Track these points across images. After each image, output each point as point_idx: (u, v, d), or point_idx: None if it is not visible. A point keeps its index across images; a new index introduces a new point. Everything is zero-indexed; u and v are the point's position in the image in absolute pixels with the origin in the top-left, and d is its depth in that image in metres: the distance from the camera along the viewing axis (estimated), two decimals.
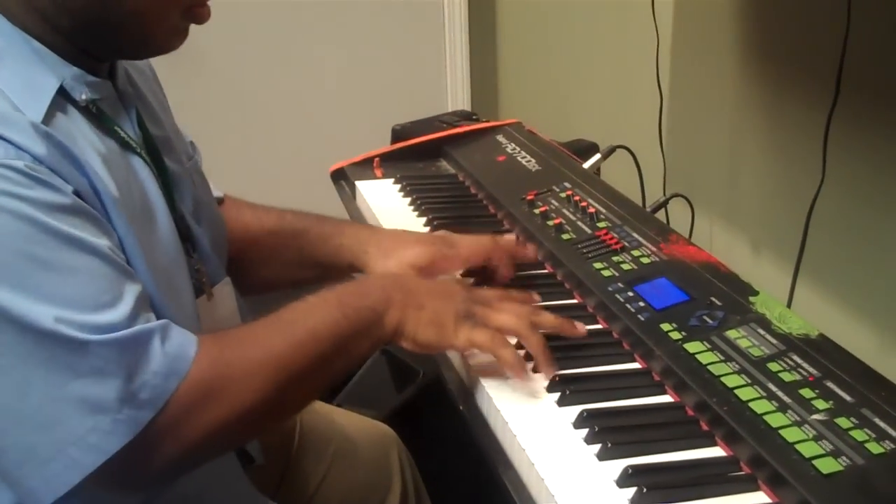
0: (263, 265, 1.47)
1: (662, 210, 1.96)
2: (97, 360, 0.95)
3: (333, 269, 1.47)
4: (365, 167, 1.97)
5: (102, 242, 1.00)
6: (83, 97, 1.09)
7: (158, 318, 1.05)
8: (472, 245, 1.42)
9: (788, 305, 1.67)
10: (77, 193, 1.01)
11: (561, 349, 1.22)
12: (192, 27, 1.16)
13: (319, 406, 1.62)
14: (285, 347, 1.07)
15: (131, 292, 1.00)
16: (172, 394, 0.99)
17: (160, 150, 1.24)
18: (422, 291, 1.19)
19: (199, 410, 1.01)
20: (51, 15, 1.07)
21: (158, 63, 1.33)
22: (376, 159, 1.97)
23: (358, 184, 1.88)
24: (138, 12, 1.09)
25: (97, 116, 1.12)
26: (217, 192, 1.48)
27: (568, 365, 1.18)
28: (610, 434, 1.04)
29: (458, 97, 3.56)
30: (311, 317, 1.11)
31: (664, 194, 2.10)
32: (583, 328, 1.22)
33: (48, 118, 1.03)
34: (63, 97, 1.08)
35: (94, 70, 1.13)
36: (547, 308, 1.33)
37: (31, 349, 0.94)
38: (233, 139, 3.22)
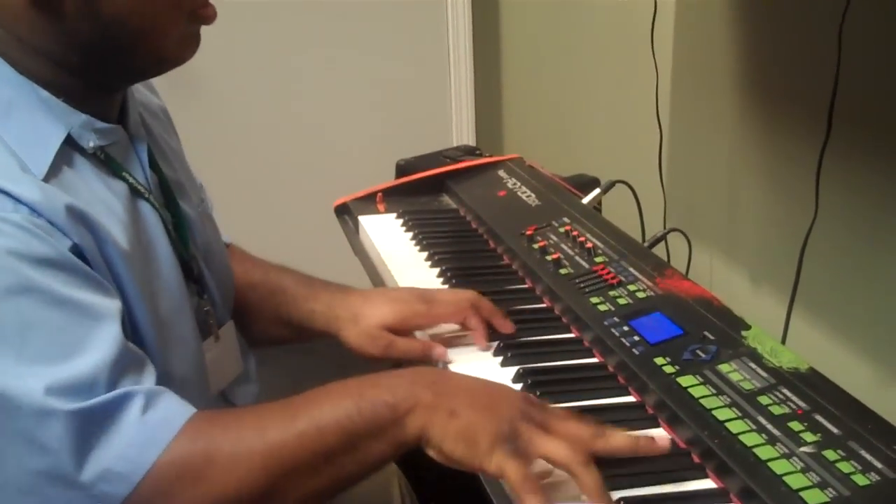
0: (247, 320, 1.45)
1: (662, 245, 1.99)
2: (64, 435, 0.92)
3: (308, 332, 1.44)
4: (368, 202, 1.99)
5: (91, 298, 0.99)
6: (91, 144, 1.10)
7: (156, 363, 1.04)
8: (448, 305, 1.37)
9: (783, 339, 1.69)
10: (76, 247, 1.00)
11: (556, 382, 1.24)
12: (197, 69, 1.16)
13: None
14: (284, 436, 0.98)
15: (115, 349, 0.97)
16: (150, 468, 0.94)
17: (174, 192, 1.25)
18: (460, 394, 1.03)
19: (178, 490, 0.95)
20: (58, 55, 1.08)
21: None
22: (379, 194, 2.00)
23: (361, 218, 1.91)
24: (143, 29, 1.09)
25: (105, 163, 1.12)
26: (225, 238, 1.50)
27: (564, 398, 1.20)
28: (605, 467, 1.05)
29: (462, 132, 3.59)
30: (320, 406, 1.01)
31: (664, 229, 2.13)
32: (666, 442, 1.06)
33: (54, 169, 1.04)
34: (70, 146, 1.08)
35: (105, 114, 1.14)
36: (542, 342, 1.36)
37: (6, 419, 0.92)
38: (237, 174, 3.25)
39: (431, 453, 1.02)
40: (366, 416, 0.99)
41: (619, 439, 1.03)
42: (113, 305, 1.01)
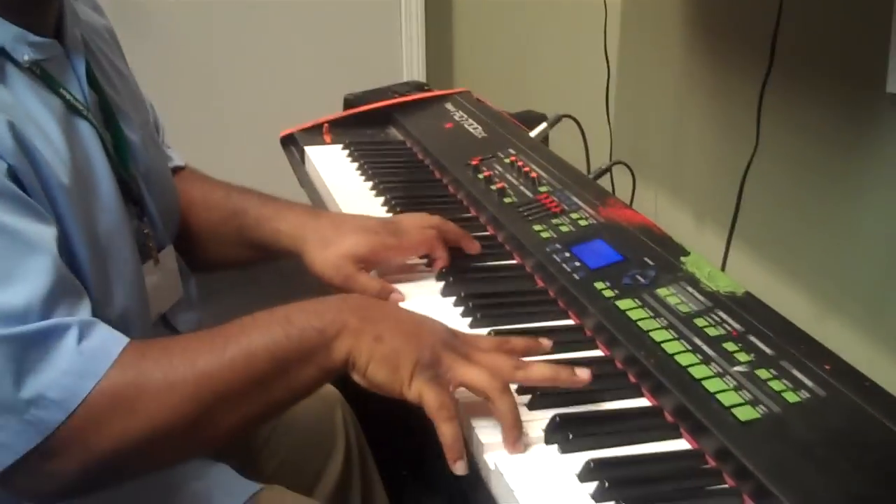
0: (206, 242, 1.44)
1: (607, 179, 2.00)
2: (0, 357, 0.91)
3: (271, 253, 1.42)
4: (315, 133, 1.99)
5: (26, 225, 0.97)
6: (25, 58, 1.07)
7: (94, 286, 1.04)
8: (416, 237, 1.36)
9: (723, 269, 1.71)
10: (11, 169, 0.99)
11: (497, 306, 1.26)
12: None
13: None
14: (213, 364, 0.98)
15: (50, 279, 0.96)
16: (86, 397, 0.93)
17: (114, 112, 1.23)
18: (386, 321, 1.04)
19: (109, 420, 0.94)
20: None
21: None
22: (326, 125, 1.99)
23: (307, 149, 1.90)
24: None
25: (41, 78, 1.10)
26: (178, 161, 1.48)
27: (505, 321, 1.21)
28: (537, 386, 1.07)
29: (413, 68, 3.58)
30: (249, 334, 1.00)
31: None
32: (586, 375, 1.04)
33: None
34: (3, 58, 1.06)
35: (40, 28, 1.11)
36: (484, 268, 1.38)
37: None
38: (186, 104, 3.21)
39: (356, 378, 1.02)
40: (294, 342, 1.00)
41: (539, 370, 1.03)
42: (48, 232, 1.00)
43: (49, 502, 1.02)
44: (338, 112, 2.20)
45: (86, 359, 0.94)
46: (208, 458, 1.32)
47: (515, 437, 0.98)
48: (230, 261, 1.49)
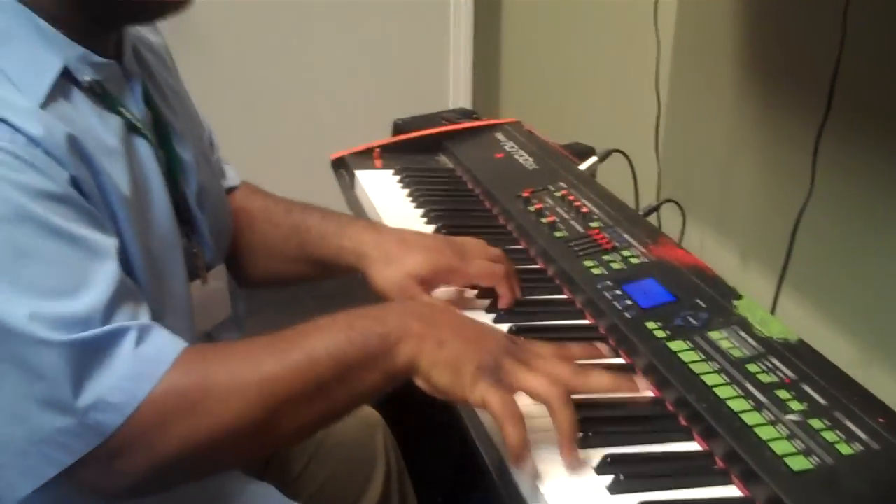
0: (265, 257, 1.46)
1: (654, 215, 2.00)
2: (59, 363, 0.93)
3: (334, 269, 1.42)
4: (365, 157, 2.00)
5: (88, 233, 0.99)
6: (87, 78, 1.10)
7: (147, 299, 1.04)
8: (482, 268, 1.34)
9: (772, 313, 1.70)
10: (74, 180, 1.01)
11: (550, 341, 1.25)
12: (203, 23, 1.16)
13: None
14: (277, 368, 1.00)
15: (111, 286, 0.98)
16: (144, 400, 0.95)
17: (168, 131, 1.25)
18: (448, 327, 1.06)
19: (173, 421, 0.97)
20: None
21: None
22: (377, 150, 2.01)
23: (357, 173, 1.91)
24: None
25: (101, 97, 1.12)
26: (235, 179, 1.50)
27: None
28: (592, 424, 1.07)
29: (459, 95, 3.60)
30: (312, 339, 1.02)
31: (657, 199, 2.15)
32: (645, 384, 1.11)
33: (50, 100, 1.04)
34: (66, 79, 1.08)
35: (102, 49, 1.13)
36: (534, 302, 1.38)
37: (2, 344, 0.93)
38: (238, 126, 3.24)
39: (419, 382, 1.04)
40: (357, 347, 1.01)
41: (598, 378, 1.06)
42: (110, 242, 1.02)
43: (119, 499, 1.03)
44: (387, 137, 2.22)
45: (144, 363, 0.96)
46: (252, 476, 1.33)
47: (572, 447, 0.99)
48: (290, 276, 1.49)
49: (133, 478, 0.98)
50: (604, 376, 1.06)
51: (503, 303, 1.34)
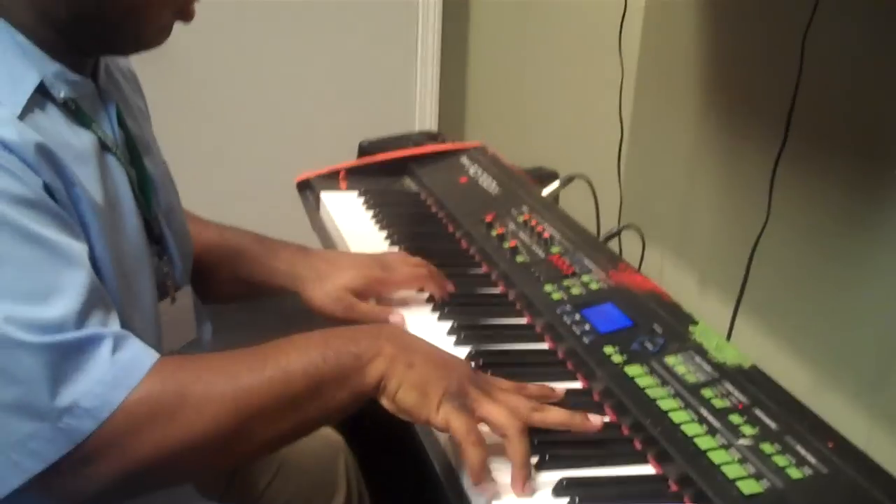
0: (199, 280, 1.46)
1: (615, 240, 2.03)
2: (35, 366, 0.94)
3: (265, 290, 1.49)
4: (330, 179, 2.01)
5: (62, 239, 1.01)
6: (62, 94, 1.11)
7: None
8: (406, 272, 1.46)
9: (728, 339, 1.73)
10: (47, 187, 1.02)
11: (505, 365, 1.27)
12: (170, 43, 1.19)
13: None
14: (252, 381, 1.02)
15: (85, 293, 0.99)
16: (118, 406, 0.96)
17: (140, 150, 1.27)
18: (418, 351, 1.11)
19: (148, 428, 0.98)
20: (46, 7, 1.09)
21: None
22: (342, 172, 2.02)
23: (322, 194, 1.93)
24: (134, 8, 1.11)
25: (75, 113, 1.14)
26: None
27: (513, 380, 1.21)
28: (549, 447, 1.08)
29: (426, 117, 3.62)
30: (288, 354, 1.05)
31: (619, 224, 2.17)
32: (599, 421, 1.12)
33: (25, 112, 1.05)
34: (42, 94, 1.09)
35: (78, 67, 1.15)
36: (495, 326, 1.41)
37: None
38: (201, 145, 3.26)
39: (385, 402, 1.07)
40: (331, 364, 1.05)
41: (555, 414, 1.10)
42: (82, 248, 1.03)
43: None
44: (352, 158, 2.23)
45: (119, 369, 0.97)
46: (214, 497, 1.34)
47: (524, 478, 1.03)
48: (224, 297, 1.53)
49: (101, 484, 0.99)
50: (560, 411, 1.11)
51: (437, 296, 1.45)
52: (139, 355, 1.00)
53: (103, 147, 1.17)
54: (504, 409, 1.06)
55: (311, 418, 1.06)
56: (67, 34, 1.12)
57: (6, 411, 0.95)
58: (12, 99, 1.05)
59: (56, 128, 1.10)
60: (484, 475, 1.02)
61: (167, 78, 2.99)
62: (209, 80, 3.32)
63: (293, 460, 1.57)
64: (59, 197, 1.04)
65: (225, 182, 3.27)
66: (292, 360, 1.04)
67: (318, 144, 3.19)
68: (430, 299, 1.47)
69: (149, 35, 1.16)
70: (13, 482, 0.96)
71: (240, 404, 1.00)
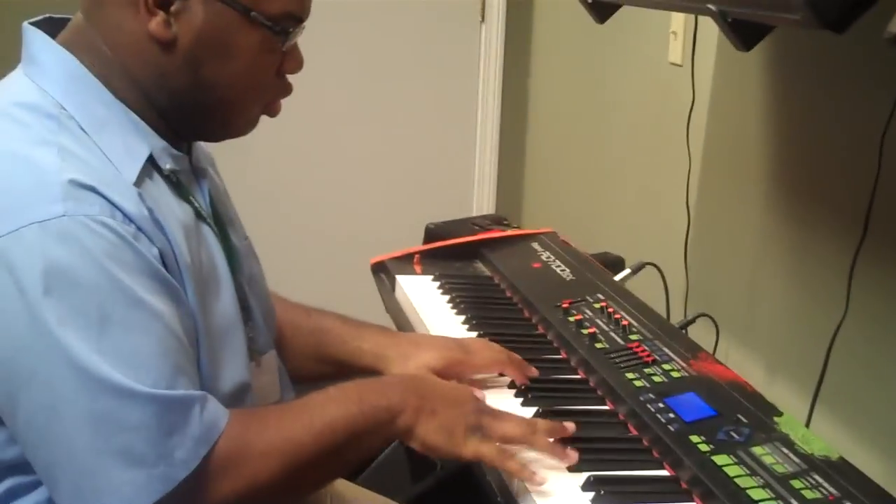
0: (286, 358, 1.52)
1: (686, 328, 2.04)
2: (144, 413, 1.05)
3: (352, 369, 1.55)
4: (405, 262, 2.05)
5: (168, 310, 1.10)
6: (167, 167, 1.21)
7: (209, 379, 1.17)
8: (487, 356, 1.52)
9: None
10: (160, 255, 1.12)
11: (595, 451, 1.29)
12: None
13: (347, 486, 1.67)
14: (303, 435, 1.16)
15: (181, 361, 1.11)
16: (203, 458, 1.08)
17: (224, 223, 1.35)
18: (437, 397, 1.27)
19: (221, 479, 1.10)
20: (152, 92, 1.20)
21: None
22: (416, 255, 2.06)
23: (398, 277, 1.96)
24: (227, 101, 1.23)
25: (177, 186, 1.23)
26: None
27: (601, 467, 1.25)
28: None
29: (483, 200, 3.67)
30: (330, 410, 1.20)
31: (685, 312, 2.19)
32: (574, 456, 1.26)
33: (139, 182, 1.15)
34: (150, 165, 1.19)
35: (177, 145, 1.25)
36: (576, 412, 1.42)
37: (87, 395, 1.03)
38: (269, 229, 3.31)
39: (414, 445, 1.24)
40: (368, 418, 1.21)
41: (542, 440, 1.27)
42: (182, 314, 1.14)
43: None
44: (414, 241, 2.27)
45: (206, 427, 1.09)
46: None
47: (561, 452, 1.25)
48: (309, 375, 1.58)
49: None
50: (546, 441, 1.27)
51: (518, 380, 1.50)
52: (218, 415, 1.12)
53: (199, 217, 1.25)
54: (512, 423, 1.27)
55: (349, 461, 1.23)
56: (166, 117, 1.22)
57: (107, 458, 1.04)
58: (129, 168, 1.15)
59: (163, 198, 1.19)
60: (531, 474, 1.21)
61: (236, 164, 3.07)
62: (280, 167, 3.42)
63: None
64: (168, 263, 1.14)
65: (291, 263, 3.32)
66: (335, 415, 1.19)
67: (383, 229, 3.24)
68: (512, 385, 1.49)
69: (237, 126, 1.28)
70: None
71: (293, 458, 1.15)
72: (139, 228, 1.10)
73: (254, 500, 1.13)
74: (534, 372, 1.51)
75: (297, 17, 1.23)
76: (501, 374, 1.51)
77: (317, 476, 1.23)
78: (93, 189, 1.08)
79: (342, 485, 1.65)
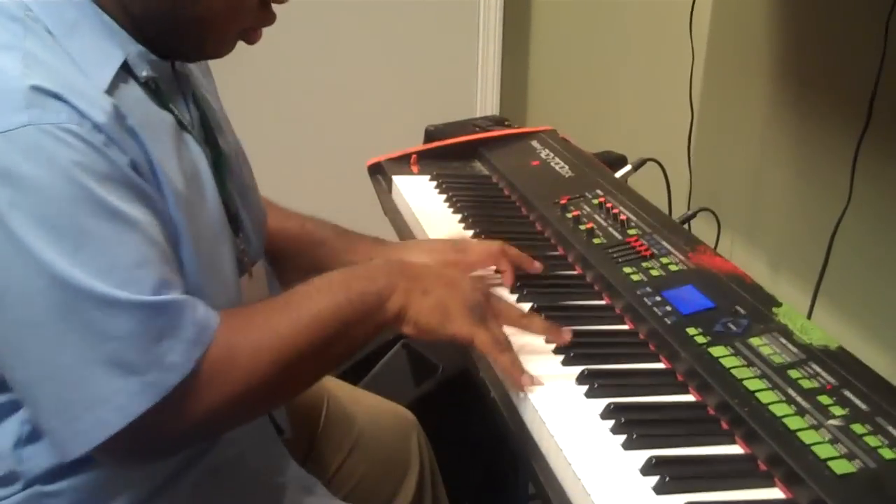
0: (279, 267, 1.50)
1: (687, 223, 2.02)
2: (130, 321, 1.01)
3: None
4: (402, 163, 2.02)
5: (145, 218, 1.06)
6: (144, 73, 1.15)
7: (199, 292, 1.11)
8: (481, 252, 1.48)
9: None
10: (133, 164, 1.06)
11: (590, 345, 1.28)
12: None
13: (345, 387, 1.67)
14: (290, 331, 1.12)
15: (164, 268, 1.06)
16: (197, 361, 1.05)
17: (214, 130, 1.30)
18: (429, 277, 1.22)
19: (213, 382, 1.07)
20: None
21: None
22: (414, 156, 2.02)
23: (395, 178, 1.93)
24: (204, 19, 1.15)
25: (155, 93, 1.17)
26: None
27: (596, 360, 1.23)
28: (636, 426, 1.09)
29: (487, 102, 3.61)
30: (316, 301, 1.15)
31: (688, 208, 2.16)
32: (569, 335, 1.26)
33: (111, 89, 1.09)
34: (125, 71, 1.13)
35: (158, 50, 1.18)
36: (573, 307, 1.42)
37: (68, 307, 1.00)
38: (268, 134, 3.28)
39: (406, 329, 1.20)
40: (356, 305, 1.16)
41: (540, 322, 1.28)
42: (161, 222, 1.09)
43: (150, 461, 1.16)
44: (415, 143, 2.23)
45: (198, 330, 1.06)
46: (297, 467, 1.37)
47: (556, 330, 1.25)
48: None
49: (172, 436, 1.09)
50: (541, 321, 1.28)
51: (506, 280, 1.46)
52: (209, 318, 1.08)
53: (181, 126, 1.20)
54: (511, 305, 1.27)
55: (340, 353, 1.19)
56: (140, 28, 1.15)
57: (96, 368, 1.01)
58: (100, 74, 1.09)
59: (140, 106, 1.13)
60: (520, 372, 1.17)
61: (231, 69, 3.02)
62: (272, 72, 3.34)
63: (369, 436, 1.59)
64: (142, 172, 1.08)
65: (290, 169, 3.29)
66: (322, 305, 1.15)
67: (382, 130, 3.20)
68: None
69: (211, 47, 1.21)
70: (97, 437, 1.02)
71: (283, 354, 1.11)
72: (109, 137, 1.04)
73: (247, 402, 1.11)
74: (534, 264, 1.48)
75: None
76: (498, 271, 1.48)
77: (308, 371, 1.18)
78: (58, 96, 1.02)
79: (341, 388, 1.65)
